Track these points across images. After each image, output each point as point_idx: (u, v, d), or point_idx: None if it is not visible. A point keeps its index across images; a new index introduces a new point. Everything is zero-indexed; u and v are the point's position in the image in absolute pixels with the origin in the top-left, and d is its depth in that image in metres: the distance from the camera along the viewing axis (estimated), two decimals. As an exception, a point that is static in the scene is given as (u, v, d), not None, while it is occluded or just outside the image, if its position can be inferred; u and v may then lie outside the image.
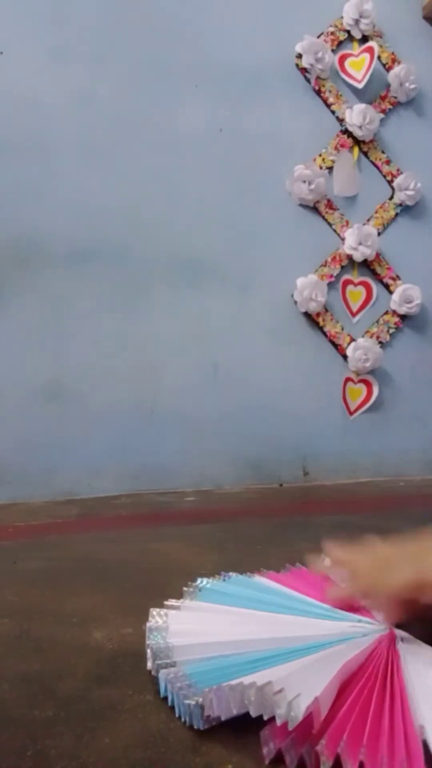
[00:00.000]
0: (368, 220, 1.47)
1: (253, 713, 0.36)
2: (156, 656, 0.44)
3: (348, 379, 1.45)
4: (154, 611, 0.52)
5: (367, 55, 1.44)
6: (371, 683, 0.40)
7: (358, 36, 1.45)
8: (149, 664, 0.45)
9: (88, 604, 0.61)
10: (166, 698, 0.41)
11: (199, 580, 0.60)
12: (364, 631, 0.48)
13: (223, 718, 0.37)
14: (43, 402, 1.25)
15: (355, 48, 1.46)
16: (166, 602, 0.54)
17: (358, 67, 1.45)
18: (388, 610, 0.49)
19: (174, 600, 0.55)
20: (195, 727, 0.38)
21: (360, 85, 1.44)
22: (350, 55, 1.45)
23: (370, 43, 1.44)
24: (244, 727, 0.37)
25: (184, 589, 0.58)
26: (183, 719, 0.39)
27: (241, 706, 0.37)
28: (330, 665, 0.40)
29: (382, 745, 0.34)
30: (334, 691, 0.37)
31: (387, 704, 0.38)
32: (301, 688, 0.36)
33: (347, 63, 1.45)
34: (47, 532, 0.99)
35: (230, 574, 0.63)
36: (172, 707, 0.40)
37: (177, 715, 0.39)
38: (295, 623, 0.51)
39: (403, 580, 0.47)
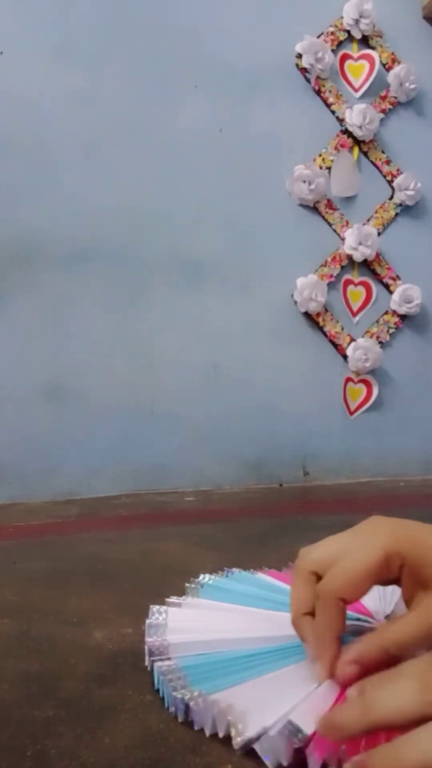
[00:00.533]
0: (368, 220, 1.47)
1: (221, 733, 0.36)
2: (152, 653, 0.44)
3: (348, 379, 1.45)
4: (153, 608, 0.52)
5: (366, 63, 1.45)
6: None
7: (358, 36, 1.45)
8: (146, 661, 0.45)
9: (88, 604, 0.61)
10: (158, 690, 0.42)
11: (201, 576, 0.60)
12: (364, 630, 0.48)
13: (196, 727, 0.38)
14: (43, 402, 1.26)
15: (355, 49, 1.46)
16: (167, 599, 0.54)
17: (357, 73, 1.45)
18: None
19: (175, 597, 0.55)
20: (179, 719, 0.38)
21: (358, 95, 1.44)
22: (350, 57, 1.45)
23: (370, 51, 1.44)
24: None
25: (186, 585, 0.58)
26: (170, 709, 0.39)
27: (212, 727, 0.37)
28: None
29: None
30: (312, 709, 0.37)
31: None
32: (277, 712, 0.35)
33: (347, 67, 1.45)
34: (47, 532, 0.99)
35: (233, 570, 0.63)
36: (163, 698, 0.41)
37: (165, 706, 0.40)
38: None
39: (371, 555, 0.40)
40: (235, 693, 0.38)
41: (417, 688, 0.31)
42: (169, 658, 0.44)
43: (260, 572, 0.63)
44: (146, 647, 0.46)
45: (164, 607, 0.52)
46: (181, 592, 0.57)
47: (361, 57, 1.45)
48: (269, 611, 0.52)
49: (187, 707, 0.38)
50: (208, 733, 0.37)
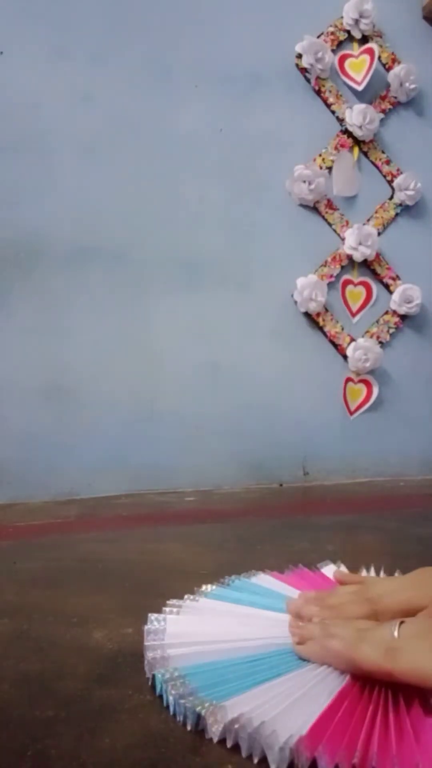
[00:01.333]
0: (368, 220, 1.47)
1: (244, 753, 0.35)
2: (152, 666, 0.44)
3: (348, 379, 1.45)
4: (152, 616, 0.51)
5: (367, 57, 1.44)
6: (384, 692, 0.39)
7: (358, 36, 1.45)
8: (147, 674, 0.45)
9: (88, 604, 0.61)
10: (161, 696, 0.41)
11: (204, 587, 0.59)
12: None
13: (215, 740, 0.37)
14: (43, 402, 1.25)
15: (355, 48, 1.46)
16: (169, 601, 0.54)
17: (358, 69, 1.45)
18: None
19: (176, 600, 0.55)
20: (189, 728, 0.38)
21: (359, 88, 1.44)
22: (350, 55, 1.45)
23: (370, 45, 1.44)
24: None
25: (187, 596, 0.57)
26: (178, 718, 0.39)
27: (234, 738, 0.36)
28: (326, 684, 0.40)
29: (414, 754, 0.33)
30: (332, 714, 0.37)
31: (403, 710, 0.37)
32: (291, 724, 0.35)
33: (347, 64, 1.45)
34: (47, 532, 0.99)
35: (232, 577, 0.62)
36: (168, 705, 0.40)
37: (172, 713, 0.39)
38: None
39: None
40: (247, 700, 0.38)
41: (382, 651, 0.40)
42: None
43: (261, 574, 0.63)
44: (145, 660, 0.45)
45: (162, 615, 0.52)
46: (181, 593, 0.57)
47: (362, 52, 1.45)
48: (269, 612, 0.52)
49: (198, 716, 0.37)
50: (216, 740, 0.37)
